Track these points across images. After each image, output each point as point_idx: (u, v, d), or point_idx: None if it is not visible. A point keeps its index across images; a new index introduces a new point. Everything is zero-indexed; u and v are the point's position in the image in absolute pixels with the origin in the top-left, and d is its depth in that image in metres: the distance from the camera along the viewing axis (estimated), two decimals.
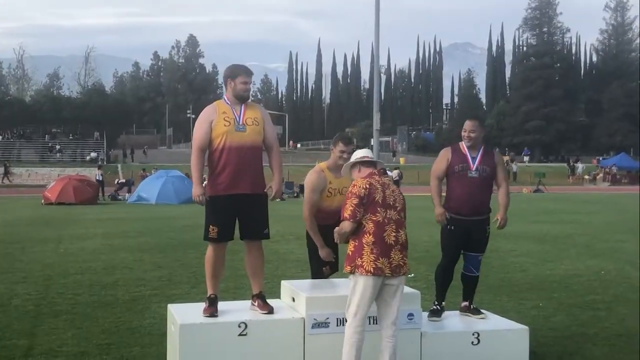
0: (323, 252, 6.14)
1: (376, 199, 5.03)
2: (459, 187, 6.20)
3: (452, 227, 6.21)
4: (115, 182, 42.49)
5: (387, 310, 5.07)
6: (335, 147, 6.16)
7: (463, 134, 6.35)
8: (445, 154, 6.38)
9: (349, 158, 6.00)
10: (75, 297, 8.43)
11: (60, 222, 19.95)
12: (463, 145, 6.35)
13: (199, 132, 5.64)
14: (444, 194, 6.38)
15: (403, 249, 5.07)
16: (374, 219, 5.00)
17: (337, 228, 5.14)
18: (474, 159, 6.24)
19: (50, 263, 11.44)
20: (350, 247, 5.08)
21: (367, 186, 5.05)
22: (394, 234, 5.02)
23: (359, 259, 4.97)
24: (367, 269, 4.93)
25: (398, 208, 5.11)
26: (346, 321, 5.08)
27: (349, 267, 5.03)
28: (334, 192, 6.12)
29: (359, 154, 5.40)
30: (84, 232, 16.87)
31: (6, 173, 54.44)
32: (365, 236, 4.99)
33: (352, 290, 5.02)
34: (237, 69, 5.78)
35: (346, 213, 5.04)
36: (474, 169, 6.21)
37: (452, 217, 6.21)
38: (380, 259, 4.95)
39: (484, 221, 6.27)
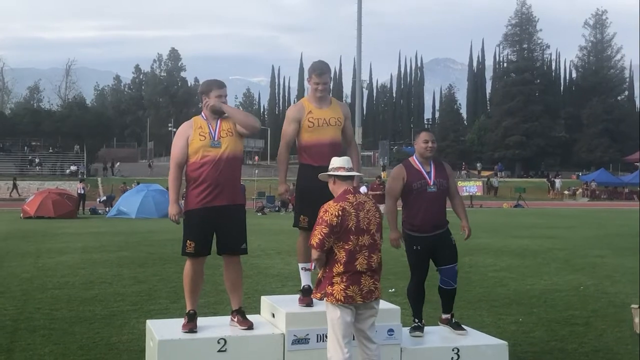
0: (280, 188, 6.09)
1: (349, 226, 4.81)
2: (419, 204, 6.09)
3: (419, 247, 6.12)
4: (98, 201, 42.09)
5: (361, 333, 4.99)
6: (309, 79, 5.96)
7: (423, 145, 6.18)
8: (399, 173, 6.23)
9: (325, 89, 5.89)
10: (53, 313, 8.34)
11: (38, 236, 19.76)
12: (415, 161, 6.25)
13: (175, 148, 5.66)
14: (399, 208, 6.29)
15: (375, 274, 4.90)
16: (346, 247, 4.81)
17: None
18: (429, 173, 6.16)
19: (28, 277, 11.32)
20: (321, 272, 4.94)
21: (340, 213, 4.81)
22: (365, 260, 4.84)
23: (329, 287, 4.84)
24: (337, 297, 4.79)
25: (372, 231, 4.90)
26: (326, 338, 5.01)
27: (319, 294, 4.90)
28: (316, 121, 5.87)
29: (335, 163, 5.12)
30: (62, 246, 16.72)
31: (15, 187, 53.78)
32: (336, 265, 4.83)
33: (329, 322, 4.90)
34: (209, 84, 5.80)
35: (313, 241, 4.83)
36: (432, 183, 6.13)
37: (415, 236, 6.11)
38: (351, 287, 4.79)
39: (446, 232, 6.20)
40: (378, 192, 23.26)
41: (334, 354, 4.84)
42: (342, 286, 4.79)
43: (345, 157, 5.21)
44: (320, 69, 5.94)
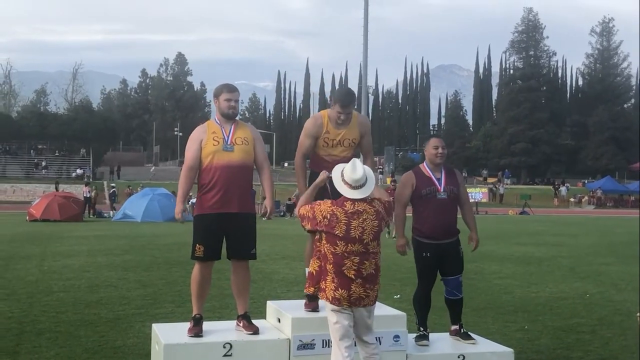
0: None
1: (335, 232, 4.82)
2: (429, 210, 6.05)
3: (428, 254, 6.07)
4: (108, 195, 42.08)
5: (360, 337, 5.01)
6: (334, 105, 5.82)
7: (433, 151, 6.14)
8: (408, 179, 6.19)
9: (347, 119, 5.82)
10: (58, 316, 8.35)
11: (44, 239, 19.80)
12: (425, 168, 6.22)
13: (189, 151, 5.66)
14: (409, 214, 6.22)
15: (366, 281, 4.86)
16: (333, 250, 4.85)
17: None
18: (439, 180, 6.12)
19: (34, 280, 11.35)
20: (315, 266, 4.97)
21: (329, 216, 4.84)
22: (355, 267, 4.82)
23: (323, 283, 4.92)
24: (327, 296, 4.87)
25: (365, 240, 4.84)
26: (331, 344, 5.04)
27: (312, 288, 4.95)
28: (331, 142, 5.83)
29: (346, 175, 4.95)
30: (68, 249, 16.75)
31: (56, 190, 53.56)
32: (327, 264, 4.89)
33: (329, 327, 4.97)
34: (220, 88, 5.80)
35: (300, 209, 5.04)
36: (442, 190, 6.08)
37: (425, 242, 6.07)
38: (340, 290, 4.82)
39: (456, 242, 6.16)
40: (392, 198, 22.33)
41: (333, 357, 4.92)
42: (333, 286, 4.85)
43: (358, 175, 4.95)
44: (343, 100, 5.78)
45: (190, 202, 15.97)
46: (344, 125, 5.92)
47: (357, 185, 4.94)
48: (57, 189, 46.99)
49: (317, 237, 4.98)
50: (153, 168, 72.22)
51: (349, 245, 4.82)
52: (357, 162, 5.05)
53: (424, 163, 6.29)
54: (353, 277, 4.82)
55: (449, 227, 6.11)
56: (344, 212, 4.85)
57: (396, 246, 6.21)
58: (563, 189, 70.58)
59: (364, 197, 4.97)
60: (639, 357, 6.71)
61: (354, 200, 4.92)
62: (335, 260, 4.84)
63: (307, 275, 5.01)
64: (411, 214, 6.27)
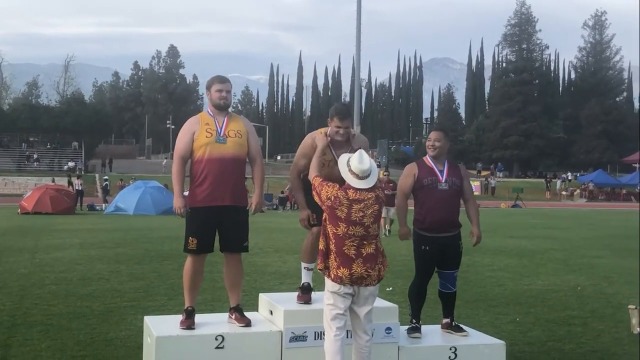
0: (302, 214, 5.89)
1: (337, 214, 4.93)
2: (430, 201, 6.04)
3: (427, 248, 6.05)
4: (100, 188, 42.10)
5: (356, 320, 5.05)
6: (330, 121, 5.67)
7: (427, 143, 6.22)
8: (411, 169, 6.20)
9: (346, 133, 5.67)
10: (50, 308, 8.33)
11: (36, 232, 19.76)
12: (427, 159, 6.22)
13: (180, 142, 5.63)
14: (411, 207, 6.20)
15: (367, 261, 4.94)
16: (334, 231, 4.95)
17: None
18: (441, 171, 6.12)
19: (26, 273, 11.32)
20: (323, 243, 5.04)
21: (332, 198, 4.95)
22: (354, 247, 4.93)
23: (327, 261, 5.01)
24: (330, 274, 4.97)
25: (366, 223, 4.95)
26: (324, 335, 5.06)
27: (323, 264, 5.01)
28: (327, 163, 5.68)
29: (353, 164, 5.01)
30: (60, 242, 16.71)
31: (69, 184, 53.19)
32: (330, 243, 5.00)
33: (325, 296, 5.05)
34: (211, 79, 5.78)
35: (313, 180, 5.22)
36: (443, 181, 6.07)
37: (425, 236, 6.05)
38: (342, 268, 4.92)
39: (457, 236, 6.14)
40: (387, 192, 22.05)
41: (326, 340, 4.98)
42: (335, 264, 4.95)
43: (365, 166, 5.01)
44: (344, 113, 5.66)
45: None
46: (341, 147, 5.71)
47: (364, 176, 5.01)
48: (70, 182, 46.42)
49: (324, 217, 5.08)
50: (165, 161, 71.99)
51: (350, 227, 4.92)
52: (363, 153, 5.10)
53: (427, 155, 6.29)
54: (353, 256, 4.92)
55: (450, 220, 6.08)
56: (347, 198, 4.95)
57: (399, 234, 6.23)
58: (558, 181, 70.77)
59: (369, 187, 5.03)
60: None
61: (357, 190, 4.98)
62: (336, 241, 4.94)
63: (318, 252, 5.06)
64: (413, 207, 6.25)
